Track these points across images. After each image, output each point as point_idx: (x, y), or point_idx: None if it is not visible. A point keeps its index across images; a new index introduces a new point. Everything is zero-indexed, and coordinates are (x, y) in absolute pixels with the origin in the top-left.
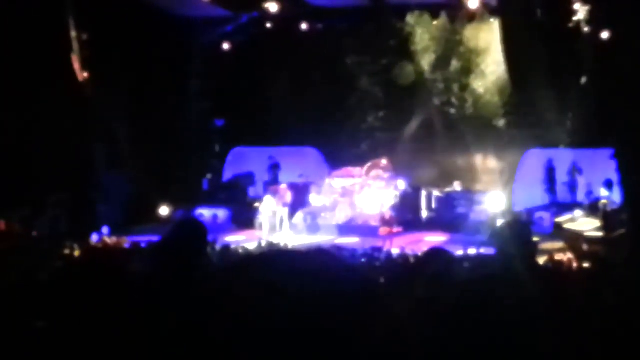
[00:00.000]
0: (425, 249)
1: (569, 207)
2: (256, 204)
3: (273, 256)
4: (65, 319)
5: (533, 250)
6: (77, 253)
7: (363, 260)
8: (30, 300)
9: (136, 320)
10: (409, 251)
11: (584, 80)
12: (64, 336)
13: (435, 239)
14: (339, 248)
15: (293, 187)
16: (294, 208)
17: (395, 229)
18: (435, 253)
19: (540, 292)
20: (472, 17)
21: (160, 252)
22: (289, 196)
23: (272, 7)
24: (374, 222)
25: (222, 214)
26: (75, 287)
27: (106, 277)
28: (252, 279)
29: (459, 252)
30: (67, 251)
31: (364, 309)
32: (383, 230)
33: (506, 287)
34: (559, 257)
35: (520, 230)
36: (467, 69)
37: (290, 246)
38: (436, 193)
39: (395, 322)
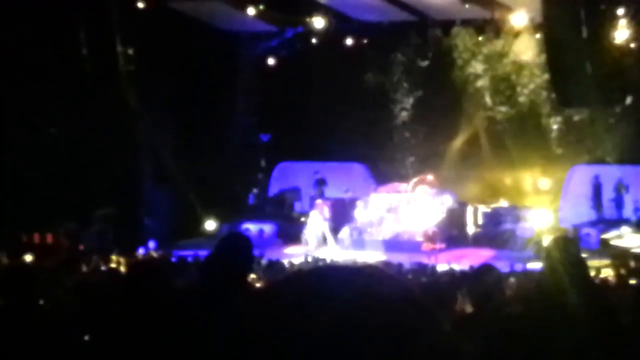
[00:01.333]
0: (470, 264)
1: (615, 223)
2: (302, 219)
3: (323, 271)
4: (112, 332)
5: (584, 267)
6: (122, 267)
7: (409, 276)
8: (77, 313)
9: (182, 335)
10: (455, 267)
11: (630, 97)
12: (110, 350)
13: (482, 254)
14: (386, 264)
15: (338, 202)
16: (339, 223)
17: (439, 245)
18: (484, 269)
19: (589, 309)
20: (516, 32)
21: (207, 267)
22: (326, 211)
23: (318, 23)
24: (420, 238)
25: (268, 228)
26: (122, 301)
27: (153, 292)
28: (302, 294)
29: (505, 269)
30: (113, 265)
31: (412, 328)
32: (426, 246)
33: (554, 303)
34: (605, 273)
35: (568, 247)
36: (512, 84)
37: (336, 261)
38: (482, 209)
39: (443, 338)
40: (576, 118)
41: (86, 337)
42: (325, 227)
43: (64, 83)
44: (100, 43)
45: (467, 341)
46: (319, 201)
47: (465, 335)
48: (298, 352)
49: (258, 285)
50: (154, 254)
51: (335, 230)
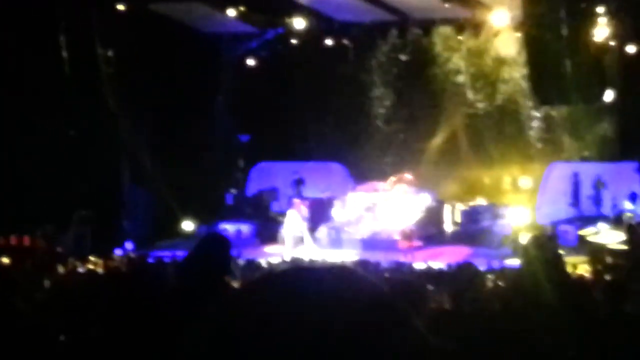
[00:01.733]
0: (448, 262)
1: (593, 220)
2: (280, 219)
3: (292, 272)
4: (90, 333)
5: (561, 263)
6: (100, 269)
7: (386, 274)
8: (54, 314)
9: (159, 336)
10: (432, 264)
11: (609, 94)
12: (88, 351)
13: (460, 252)
14: (363, 263)
15: (316, 201)
16: (317, 222)
17: (416, 243)
18: (462, 267)
19: (566, 305)
20: (496, 31)
21: (185, 267)
22: (304, 210)
23: (298, 23)
24: (397, 237)
25: (246, 228)
26: (99, 302)
27: (130, 293)
28: (275, 297)
29: (483, 266)
30: (91, 266)
31: (381, 327)
32: (402, 244)
33: (532, 300)
34: (582, 270)
35: (546, 244)
36: (491, 82)
37: (313, 261)
38: (460, 207)
39: (413, 337)
40: (555, 116)
41: (62, 338)
42: (303, 227)
43: (43, 85)
44: (80, 45)
45: (445, 338)
46: (296, 200)
47: (442, 333)
48: (267, 354)
49: (234, 285)
50: (132, 255)
51: (313, 229)
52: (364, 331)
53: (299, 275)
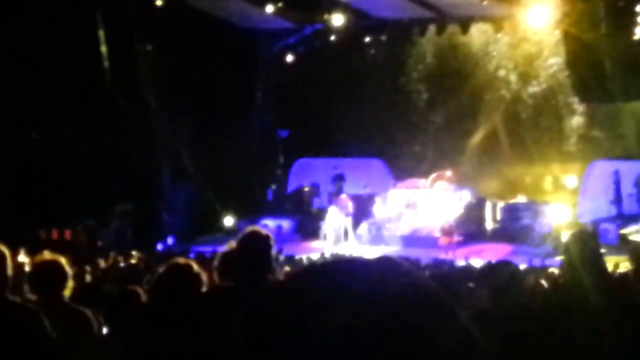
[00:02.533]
0: (488, 259)
1: (634, 218)
2: (319, 214)
3: (336, 264)
4: (133, 329)
5: (602, 262)
6: (134, 261)
7: (427, 272)
8: (97, 309)
9: (201, 332)
10: (472, 262)
11: None
12: (131, 347)
13: (500, 250)
14: (403, 259)
15: (357, 198)
16: (358, 219)
17: (456, 239)
18: (502, 265)
19: (608, 305)
20: (535, 29)
21: (227, 263)
22: (350, 206)
23: (337, 20)
24: (438, 234)
25: (286, 224)
26: (141, 298)
27: (176, 289)
28: (320, 288)
29: (523, 264)
30: (132, 261)
31: (430, 320)
32: (443, 240)
33: (573, 298)
34: (624, 268)
35: (587, 242)
36: (531, 79)
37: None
38: (500, 204)
39: (461, 333)
40: (595, 113)
41: (105, 330)
42: (347, 223)
43: (83, 81)
44: (119, 40)
45: (485, 337)
46: (343, 196)
47: (482, 331)
48: (311, 349)
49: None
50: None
51: (353, 226)
52: (410, 324)
53: (343, 266)
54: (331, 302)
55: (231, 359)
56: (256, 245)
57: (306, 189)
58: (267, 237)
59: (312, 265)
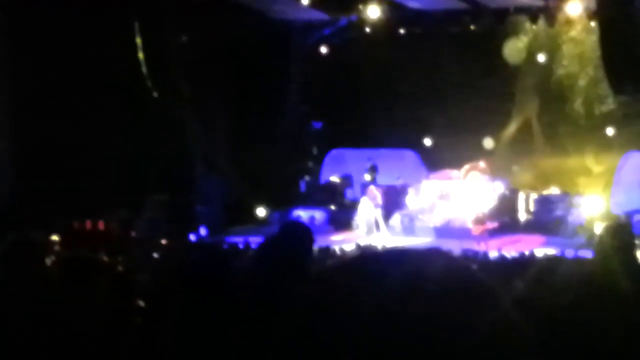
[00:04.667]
0: (522, 251)
1: None
2: (354, 206)
3: (378, 255)
4: (164, 320)
5: (634, 253)
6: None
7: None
8: (129, 300)
9: (237, 324)
10: (506, 253)
11: None
12: (162, 335)
13: (533, 241)
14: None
15: (390, 189)
16: (390, 210)
17: (490, 225)
18: (535, 256)
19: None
20: (571, 20)
21: (264, 254)
22: (379, 197)
23: (372, 11)
24: (471, 225)
25: (319, 215)
26: (174, 288)
27: (206, 278)
28: (355, 279)
29: (557, 255)
30: (165, 251)
31: (469, 311)
32: (476, 230)
33: (606, 291)
34: None
35: (621, 234)
36: (566, 71)
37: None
38: (534, 195)
39: (499, 323)
40: (630, 104)
41: (138, 321)
42: (377, 214)
43: (118, 72)
44: (154, 32)
45: (523, 326)
46: (372, 187)
47: (520, 320)
48: (350, 339)
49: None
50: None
51: (386, 216)
52: (459, 313)
53: (391, 256)
54: (380, 292)
55: (276, 350)
56: (297, 236)
57: (339, 180)
58: (307, 229)
59: (361, 255)
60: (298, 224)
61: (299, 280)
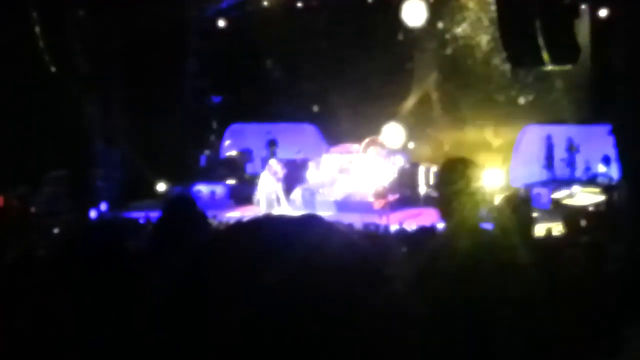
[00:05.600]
0: (421, 224)
1: (566, 183)
2: (253, 180)
3: (268, 222)
4: (61, 295)
5: (531, 225)
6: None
7: (360, 236)
8: (28, 277)
9: (130, 297)
10: (406, 226)
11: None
12: (60, 312)
13: (433, 214)
14: (337, 224)
15: (290, 163)
16: (291, 184)
17: (391, 197)
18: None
19: (536, 265)
20: None
21: (156, 231)
22: (280, 171)
23: None
24: (371, 198)
25: (220, 190)
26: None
27: (106, 254)
28: (243, 247)
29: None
30: (65, 227)
31: (363, 283)
32: (378, 204)
33: (504, 262)
34: (556, 232)
35: (518, 205)
36: (462, 43)
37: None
38: (434, 169)
39: (393, 298)
40: (528, 77)
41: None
42: (278, 188)
43: (13, 46)
44: (50, 6)
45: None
46: (273, 161)
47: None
48: (239, 311)
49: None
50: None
51: (287, 191)
52: (343, 287)
53: (267, 223)
54: (258, 261)
55: (153, 321)
56: (180, 210)
57: (239, 154)
58: (190, 201)
59: (238, 222)
60: (182, 197)
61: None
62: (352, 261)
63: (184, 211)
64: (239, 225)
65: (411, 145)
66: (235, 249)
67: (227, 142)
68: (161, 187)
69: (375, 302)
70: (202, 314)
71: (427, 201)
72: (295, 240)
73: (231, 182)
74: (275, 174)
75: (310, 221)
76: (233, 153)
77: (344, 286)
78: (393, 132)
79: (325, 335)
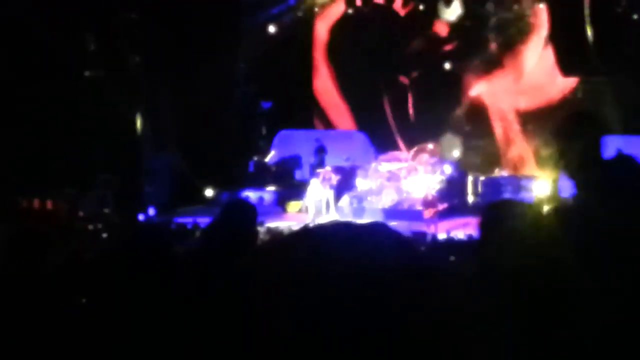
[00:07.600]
0: (470, 233)
1: None
2: (301, 186)
3: (328, 229)
4: (109, 298)
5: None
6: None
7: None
8: (75, 280)
9: (181, 302)
10: (454, 236)
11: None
12: (107, 315)
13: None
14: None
15: (339, 170)
16: (340, 191)
17: (440, 206)
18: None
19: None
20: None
21: (210, 234)
22: (334, 178)
23: None
24: (420, 207)
25: (268, 196)
26: (120, 267)
27: (153, 258)
28: (306, 254)
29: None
30: (113, 231)
31: (421, 288)
32: (427, 213)
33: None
34: None
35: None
36: (514, 52)
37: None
38: (482, 178)
39: (449, 301)
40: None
41: (81, 301)
42: (330, 195)
43: (64, 50)
44: (100, 10)
45: (470, 306)
46: (328, 168)
47: (467, 300)
48: (302, 313)
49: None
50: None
51: (335, 198)
52: (401, 291)
53: (335, 230)
54: (321, 267)
55: (214, 325)
56: (239, 216)
57: (288, 161)
58: (250, 207)
59: (302, 229)
60: (241, 202)
61: (241, 257)
62: (411, 266)
63: (245, 218)
64: (309, 230)
65: (456, 153)
66: (308, 254)
67: (275, 149)
68: (209, 192)
69: (433, 306)
70: (270, 317)
71: (475, 210)
72: (368, 248)
73: (279, 188)
74: (328, 179)
75: (379, 229)
76: (281, 160)
77: (402, 290)
78: (450, 144)
79: (400, 340)
